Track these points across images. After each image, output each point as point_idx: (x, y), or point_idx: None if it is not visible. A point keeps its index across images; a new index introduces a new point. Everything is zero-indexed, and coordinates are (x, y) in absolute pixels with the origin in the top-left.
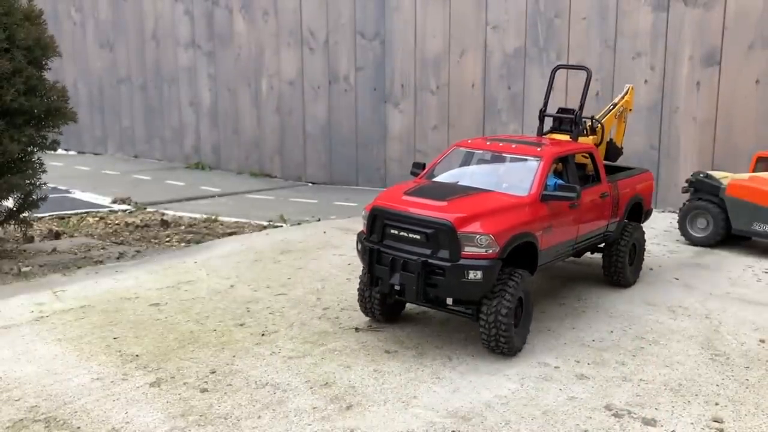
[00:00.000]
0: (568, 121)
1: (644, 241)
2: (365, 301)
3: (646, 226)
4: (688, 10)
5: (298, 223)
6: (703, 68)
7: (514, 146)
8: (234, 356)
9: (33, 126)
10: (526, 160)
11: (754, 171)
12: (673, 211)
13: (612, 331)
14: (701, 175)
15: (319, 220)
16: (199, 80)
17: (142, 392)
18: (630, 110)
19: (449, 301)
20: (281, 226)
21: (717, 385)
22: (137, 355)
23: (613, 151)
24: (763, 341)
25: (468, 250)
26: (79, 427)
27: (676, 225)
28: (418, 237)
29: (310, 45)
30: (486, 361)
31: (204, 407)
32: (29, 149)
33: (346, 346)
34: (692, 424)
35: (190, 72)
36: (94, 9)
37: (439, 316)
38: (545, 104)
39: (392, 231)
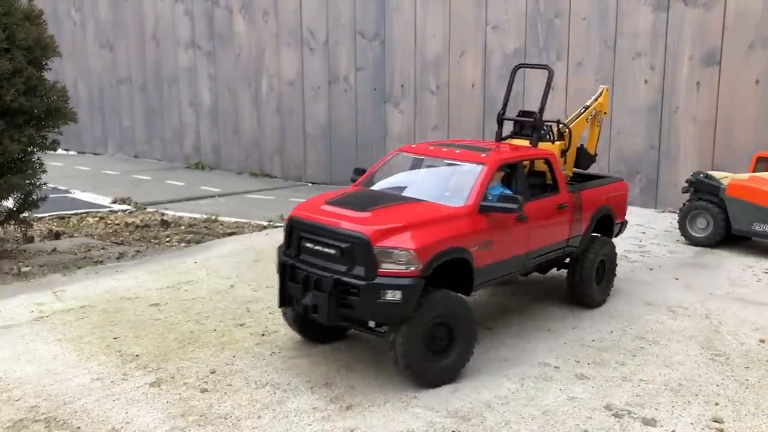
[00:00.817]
0: (530, 125)
1: (615, 256)
2: (289, 321)
3: (647, 226)
4: (688, 10)
5: None
6: (703, 68)
7: (457, 152)
8: (234, 356)
9: (33, 126)
10: (467, 167)
11: (754, 171)
12: (673, 211)
13: (612, 331)
14: (701, 176)
15: None
16: (199, 80)
17: (142, 392)
18: (605, 114)
19: (372, 323)
20: (281, 226)
21: (717, 385)
22: (137, 355)
23: (585, 157)
24: (763, 341)
25: (386, 267)
26: (79, 427)
27: (676, 225)
28: (333, 252)
29: (310, 45)
30: (486, 361)
31: (204, 407)
32: (29, 149)
33: (346, 346)
34: (692, 424)
35: (190, 72)
36: (94, 9)
37: None
38: (504, 106)
39: (308, 244)
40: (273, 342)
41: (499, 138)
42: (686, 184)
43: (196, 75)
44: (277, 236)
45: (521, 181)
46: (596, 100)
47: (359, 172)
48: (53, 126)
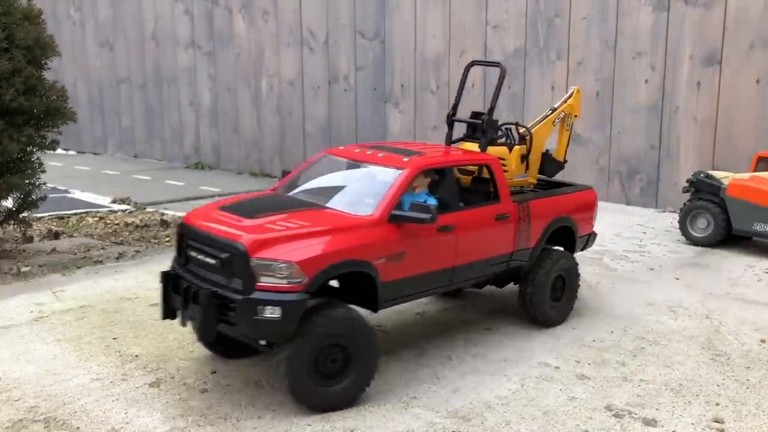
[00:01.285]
0: (480, 127)
1: (577, 272)
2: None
3: (647, 225)
4: (689, 9)
5: None
6: (703, 68)
7: (381, 155)
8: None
9: (32, 126)
10: (386, 171)
11: (754, 171)
12: (674, 211)
13: (612, 331)
14: (702, 175)
15: None
16: (199, 80)
17: (141, 392)
18: (576, 116)
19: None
20: None
21: (718, 386)
22: (137, 356)
23: (550, 164)
24: (763, 341)
25: (264, 280)
26: (78, 428)
27: (677, 225)
28: (213, 262)
29: (310, 45)
30: (486, 361)
31: (204, 407)
32: (28, 149)
33: None
34: (693, 424)
35: (190, 72)
36: (94, 9)
37: (440, 317)
38: (455, 107)
39: (193, 253)
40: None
41: (449, 141)
42: (687, 184)
43: (196, 75)
44: None
45: (449, 188)
46: (566, 101)
47: (286, 174)
48: (53, 126)
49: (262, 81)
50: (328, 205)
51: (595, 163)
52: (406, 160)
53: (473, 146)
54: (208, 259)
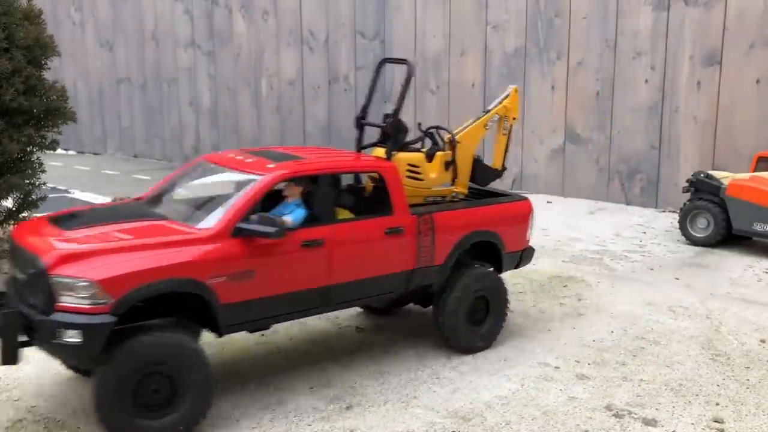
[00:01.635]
0: (385, 130)
1: (503, 291)
2: None
3: (647, 225)
4: (689, 9)
5: None
6: (703, 68)
7: (249, 160)
8: (234, 356)
9: (32, 126)
10: (246, 180)
11: (754, 171)
12: (674, 211)
13: (612, 331)
14: (702, 175)
15: None
16: (198, 80)
17: None
18: (514, 119)
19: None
20: None
21: (718, 386)
22: None
23: (482, 172)
24: (763, 341)
25: (65, 300)
26: (78, 428)
27: (677, 225)
28: (24, 278)
29: (310, 45)
30: (486, 361)
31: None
32: (28, 149)
33: (346, 346)
34: (693, 424)
35: (190, 72)
36: (94, 9)
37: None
38: (364, 109)
39: (14, 268)
40: (273, 342)
41: (359, 145)
42: (687, 184)
43: (196, 75)
44: None
45: (323, 198)
46: (501, 102)
47: None
48: (52, 126)
49: (262, 81)
50: (170, 216)
51: (595, 163)
52: (271, 166)
53: (383, 152)
54: (21, 275)
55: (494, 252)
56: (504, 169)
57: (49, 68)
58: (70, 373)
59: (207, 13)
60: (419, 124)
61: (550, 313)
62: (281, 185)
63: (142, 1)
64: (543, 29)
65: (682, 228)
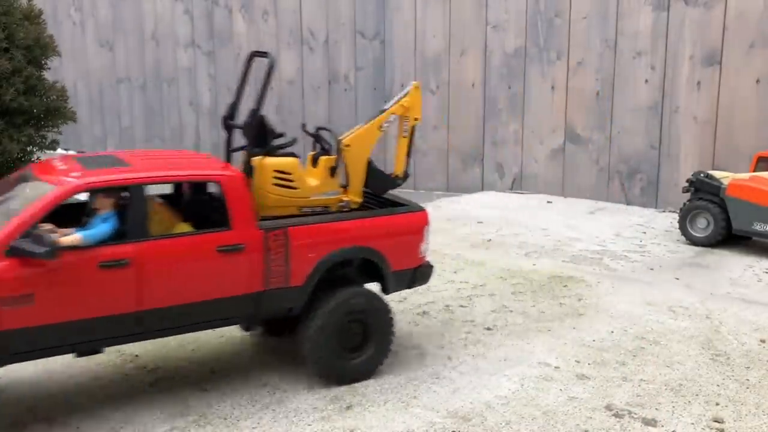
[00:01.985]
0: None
1: (385, 312)
2: None
3: (647, 225)
4: (689, 9)
5: None
6: (703, 68)
7: (62, 168)
8: (234, 356)
9: (32, 126)
10: (40, 191)
11: (754, 171)
12: (674, 211)
13: (612, 331)
14: (702, 175)
15: None
16: (198, 80)
17: (142, 392)
18: (417, 119)
19: None
20: None
21: (717, 385)
22: (137, 355)
23: (377, 179)
24: (763, 341)
25: None
26: (78, 427)
27: (677, 225)
28: None
29: (310, 45)
30: (486, 361)
31: (204, 407)
32: (28, 149)
33: None
34: (693, 424)
35: (190, 72)
36: (94, 9)
37: (440, 317)
38: (232, 107)
39: None
40: (273, 342)
41: (228, 149)
42: (687, 184)
43: (196, 75)
44: None
45: (135, 212)
46: (399, 101)
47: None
48: (52, 126)
49: None
50: None
51: (595, 163)
52: (71, 176)
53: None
54: None
55: (373, 270)
56: (406, 176)
57: (49, 68)
58: (70, 372)
59: (207, 13)
60: (303, 125)
61: (550, 313)
62: (82, 197)
63: (142, 1)
64: (543, 29)
65: (682, 228)
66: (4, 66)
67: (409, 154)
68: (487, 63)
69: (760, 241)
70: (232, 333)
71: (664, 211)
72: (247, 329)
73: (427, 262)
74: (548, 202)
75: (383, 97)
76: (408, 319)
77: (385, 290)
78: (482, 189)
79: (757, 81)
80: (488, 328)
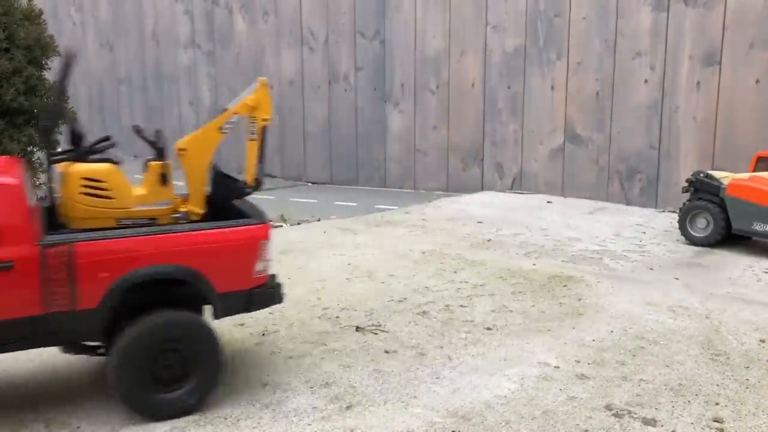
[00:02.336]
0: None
1: (208, 342)
2: None
3: (647, 225)
4: (689, 10)
5: (298, 223)
6: (703, 68)
7: None
8: (234, 356)
9: (33, 126)
10: None
11: (754, 171)
12: (674, 211)
13: (612, 331)
14: (701, 175)
15: (319, 219)
16: (198, 80)
17: None
18: (264, 120)
19: None
20: (281, 226)
21: (717, 385)
22: None
23: (221, 186)
24: (763, 341)
25: None
26: (79, 427)
27: (677, 225)
28: None
29: (310, 45)
30: (486, 361)
31: (204, 407)
32: (29, 149)
33: (346, 346)
34: (692, 423)
35: (190, 71)
36: (94, 9)
37: (440, 317)
38: (53, 107)
39: None
40: (273, 342)
41: (50, 155)
42: (686, 184)
43: (196, 74)
44: (277, 236)
45: None
46: (242, 100)
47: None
48: None
49: None
50: None
51: (595, 163)
52: None
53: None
54: None
55: (197, 295)
56: (258, 183)
57: (50, 68)
58: (71, 372)
59: (207, 13)
60: (134, 127)
61: (549, 312)
62: None
63: (142, 1)
64: (543, 29)
65: (682, 228)
66: (5, 66)
67: (261, 159)
68: (486, 63)
69: (760, 241)
70: (232, 333)
71: (663, 211)
72: (66, 351)
73: (271, 282)
74: (548, 202)
75: (383, 97)
76: (408, 319)
77: (215, 315)
78: (482, 189)
79: (757, 81)
80: (488, 328)
